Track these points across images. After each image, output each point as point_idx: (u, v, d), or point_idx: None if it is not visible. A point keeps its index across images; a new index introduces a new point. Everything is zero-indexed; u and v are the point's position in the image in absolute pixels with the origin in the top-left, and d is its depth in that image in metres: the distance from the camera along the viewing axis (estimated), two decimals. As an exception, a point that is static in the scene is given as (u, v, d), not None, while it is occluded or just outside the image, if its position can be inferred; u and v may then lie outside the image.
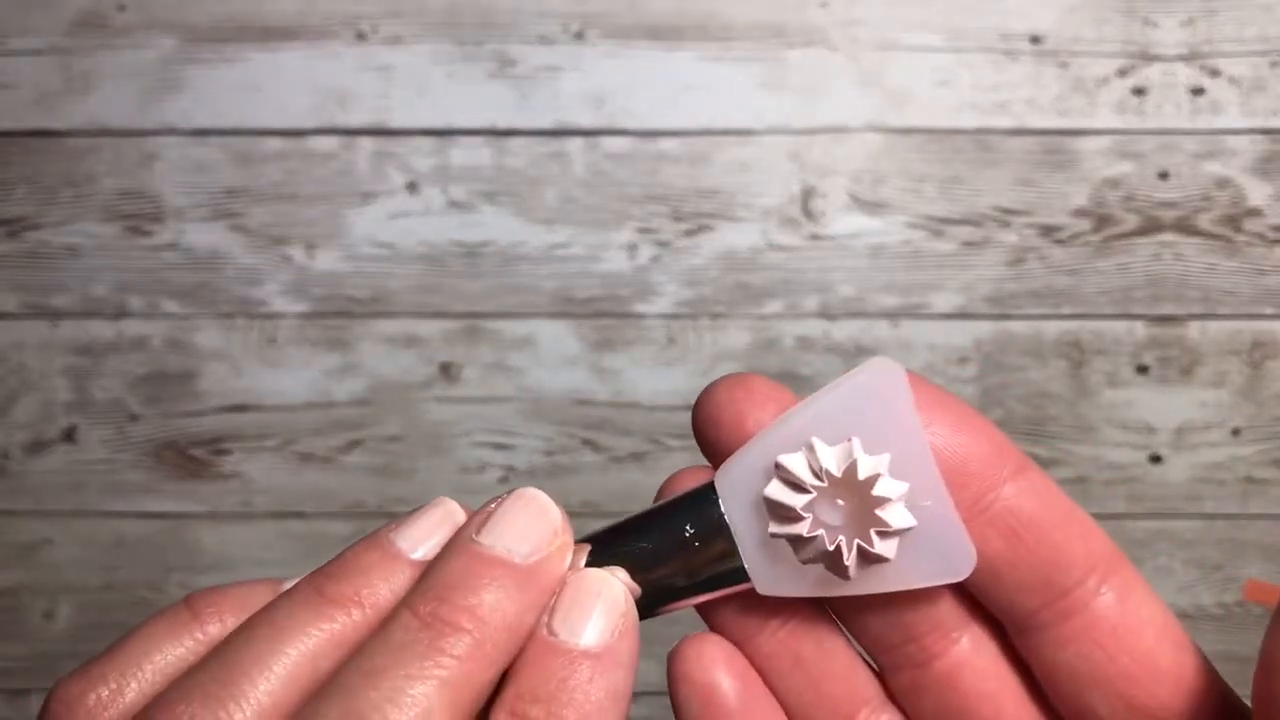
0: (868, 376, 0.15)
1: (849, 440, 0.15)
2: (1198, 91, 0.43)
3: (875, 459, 0.15)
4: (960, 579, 0.15)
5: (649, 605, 0.16)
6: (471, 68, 0.44)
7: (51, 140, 0.44)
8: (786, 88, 0.43)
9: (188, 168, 0.44)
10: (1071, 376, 0.43)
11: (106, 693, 0.15)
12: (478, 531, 0.15)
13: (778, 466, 0.15)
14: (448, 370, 0.44)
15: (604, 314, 0.44)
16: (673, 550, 0.16)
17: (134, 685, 0.15)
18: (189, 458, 0.44)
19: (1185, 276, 0.43)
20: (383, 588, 0.15)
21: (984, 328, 0.43)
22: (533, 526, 0.15)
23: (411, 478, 0.44)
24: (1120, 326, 0.43)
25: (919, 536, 0.15)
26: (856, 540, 0.15)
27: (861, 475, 0.15)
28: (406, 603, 0.15)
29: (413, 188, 0.44)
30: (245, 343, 0.44)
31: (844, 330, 0.43)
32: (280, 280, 0.44)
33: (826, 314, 0.43)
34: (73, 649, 0.45)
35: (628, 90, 0.43)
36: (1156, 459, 0.44)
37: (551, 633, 0.15)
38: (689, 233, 0.43)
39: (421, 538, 0.16)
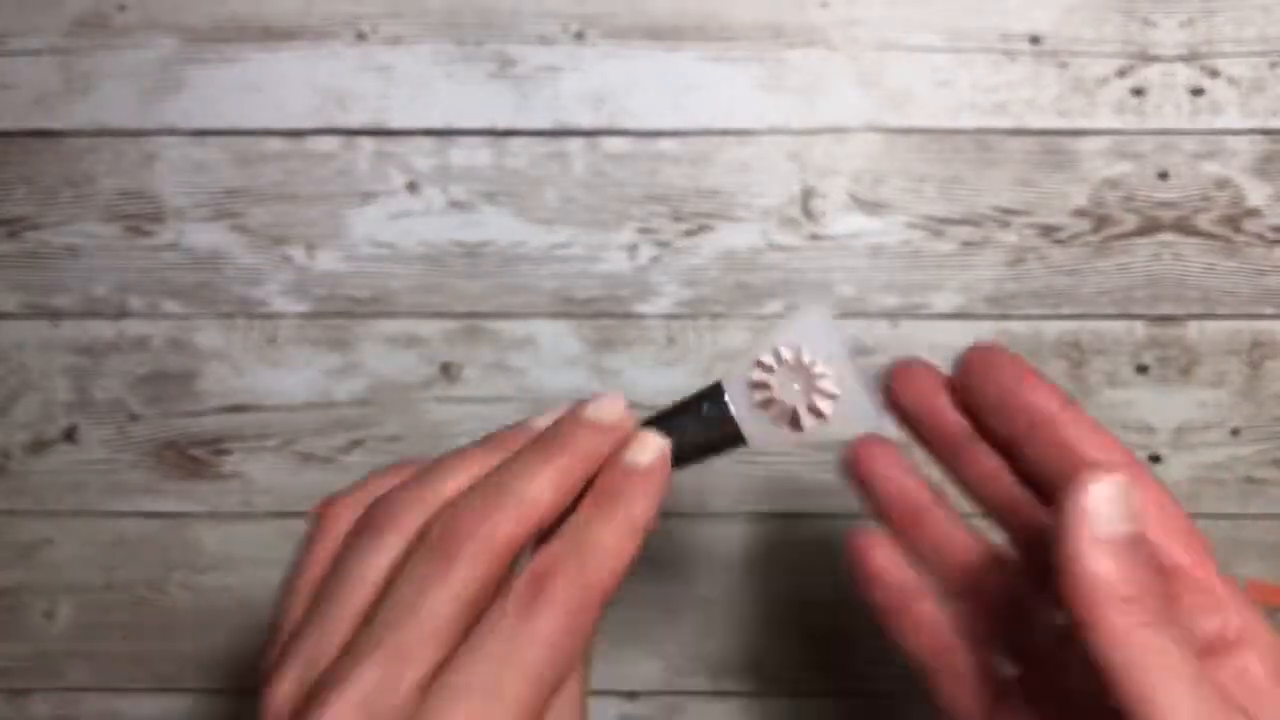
0: (808, 314, 0.26)
1: (798, 346, 0.26)
2: (1197, 92, 0.43)
3: (813, 355, 0.26)
4: (872, 429, 0.27)
5: (681, 458, 0.26)
6: (471, 68, 0.44)
7: (51, 140, 0.44)
8: (786, 88, 0.44)
9: (188, 168, 0.44)
10: (1071, 376, 0.44)
11: (351, 498, 0.27)
12: (581, 409, 0.26)
13: (757, 362, 0.26)
14: (448, 370, 0.44)
15: (604, 314, 0.44)
16: (695, 422, 0.27)
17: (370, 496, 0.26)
18: (189, 457, 0.44)
19: (1185, 277, 0.43)
20: (524, 438, 0.26)
21: (984, 328, 0.43)
22: (612, 407, 0.26)
23: (412, 478, 0.44)
24: (1120, 326, 0.44)
25: (845, 405, 0.26)
26: (807, 403, 0.26)
27: (805, 362, 0.26)
28: (534, 440, 0.26)
29: (413, 188, 0.44)
30: (246, 343, 0.44)
31: (845, 332, 0.43)
32: (281, 280, 0.44)
33: (826, 314, 0.43)
34: (74, 648, 0.45)
35: (627, 91, 0.43)
36: (1156, 459, 0.44)
37: (623, 458, 0.26)
38: (689, 233, 0.43)
39: (553, 416, 0.26)
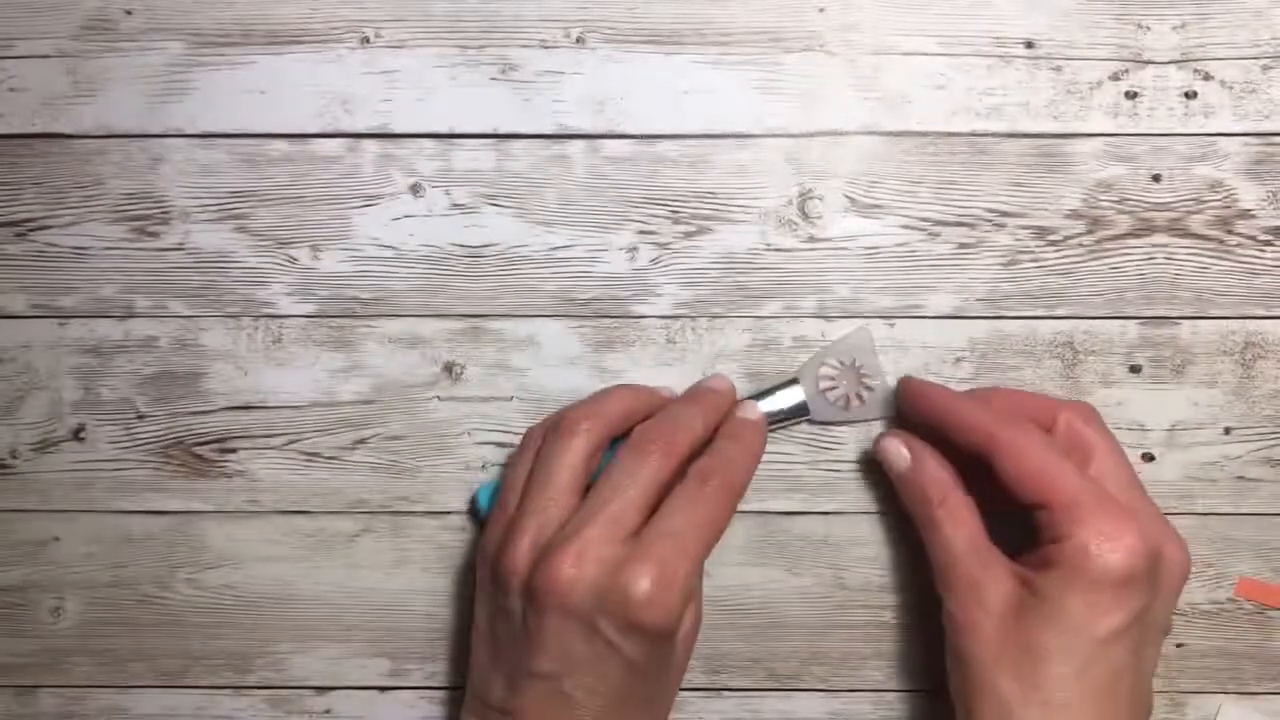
0: (858, 333, 0.43)
1: (854, 355, 0.42)
2: (1190, 95, 0.44)
3: (862, 361, 0.42)
4: (889, 411, 0.43)
5: (770, 422, 0.42)
6: (474, 72, 0.44)
7: (59, 143, 0.44)
8: (784, 92, 0.44)
9: (194, 170, 0.44)
10: (1065, 376, 0.44)
11: (542, 425, 0.41)
12: (705, 382, 0.42)
13: (825, 364, 0.42)
14: (451, 370, 0.45)
15: (604, 315, 0.44)
16: (777, 400, 0.42)
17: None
18: (196, 456, 0.45)
19: (1178, 278, 0.44)
20: (660, 394, 0.42)
21: (979, 328, 0.44)
22: (724, 381, 0.42)
23: (415, 476, 0.45)
24: (1113, 327, 0.44)
25: (875, 397, 0.43)
26: (855, 391, 0.42)
27: (856, 365, 0.42)
28: (681, 397, 0.42)
29: (416, 190, 0.44)
30: (251, 343, 0.45)
31: (841, 330, 0.44)
32: (286, 281, 0.44)
33: (824, 315, 0.44)
34: (80, 645, 0.45)
35: (627, 94, 0.44)
36: (1149, 457, 0.44)
37: (737, 414, 0.41)
38: (688, 235, 0.44)
39: (679, 392, 0.42)
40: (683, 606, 0.36)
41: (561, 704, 0.35)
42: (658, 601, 0.35)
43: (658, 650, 0.36)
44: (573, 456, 0.38)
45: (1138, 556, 0.35)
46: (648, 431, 0.38)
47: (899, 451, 0.40)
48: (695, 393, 0.41)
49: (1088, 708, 0.35)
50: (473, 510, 0.44)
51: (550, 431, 0.39)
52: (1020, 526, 0.38)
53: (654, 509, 0.37)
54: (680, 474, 0.38)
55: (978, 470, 0.39)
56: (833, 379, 0.42)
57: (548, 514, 0.37)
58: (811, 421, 0.43)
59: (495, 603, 0.38)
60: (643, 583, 0.34)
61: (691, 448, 0.39)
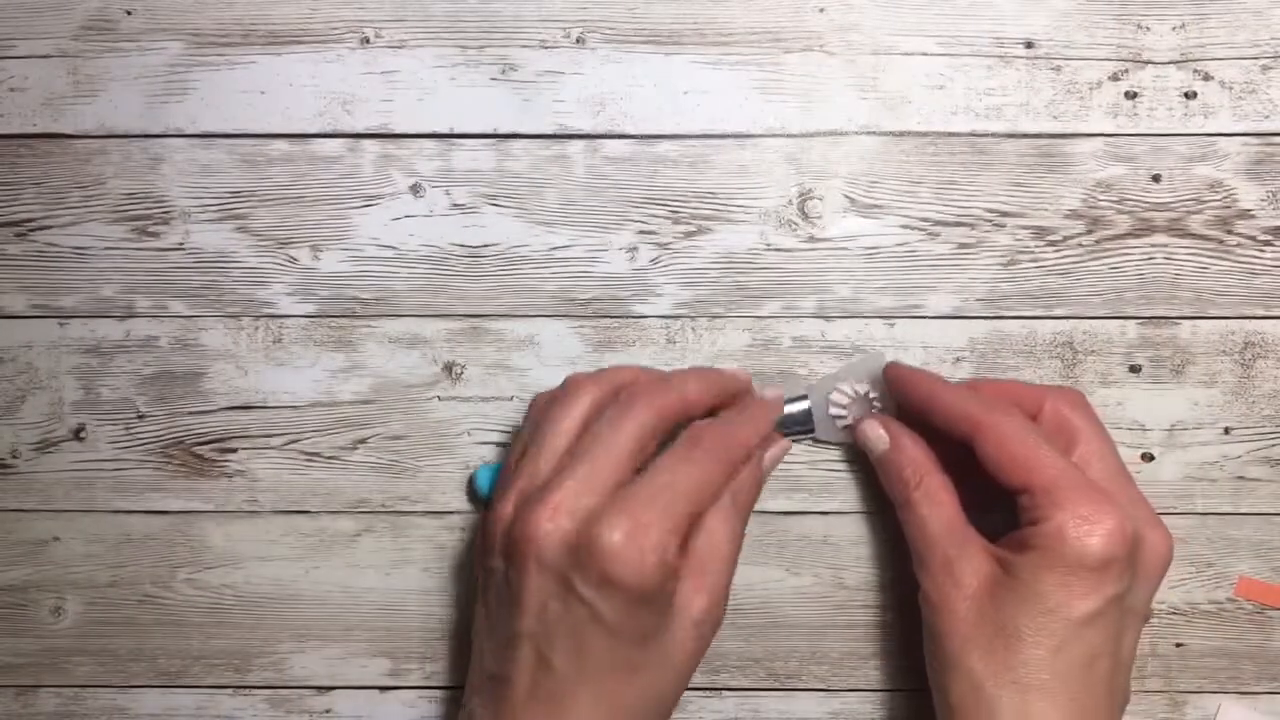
0: (870, 358, 0.43)
1: (864, 381, 0.42)
2: (1190, 95, 0.44)
3: (875, 392, 0.42)
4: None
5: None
6: (474, 72, 0.44)
7: (59, 143, 0.44)
8: (784, 92, 0.44)
9: (194, 170, 0.44)
10: (1064, 376, 0.44)
11: (547, 393, 0.41)
12: (715, 368, 0.42)
13: (837, 389, 0.43)
14: (451, 370, 0.45)
15: (604, 315, 0.44)
16: (785, 415, 0.42)
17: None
18: (196, 456, 0.45)
19: (1177, 278, 0.44)
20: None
21: (978, 328, 0.44)
22: (739, 372, 0.42)
23: (415, 475, 0.45)
24: (1113, 327, 0.44)
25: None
26: (863, 419, 0.42)
27: (869, 396, 0.42)
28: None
29: (416, 190, 0.44)
30: (251, 343, 0.45)
31: (840, 330, 0.44)
32: (286, 281, 0.44)
33: (823, 315, 0.44)
34: (81, 645, 0.45)
35: (627, 95, 0.44)
36: (1149, 457, 0.44)
37: (753, 392, 0.42)
38: (688, 235, 0.44)
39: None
40: (658, 563, 0.34)
41: (545, 669, 0.35)
42: (627, 555, 0.34)
43: (637, 613, 0.35)
44: (569, 423, 0.37)
45: (1116, 541, 0.35)
46: (633, 387, 0.38)
47: (878, 434, 0.41)
48: (697, 368, 0.42)
49: (1061, 690, 0.35)
50: (471, 491, 0.44)
51: (555, 393, 0.39)
52: (1007, 520, 0.38)
53: (637, 464, 0.36)
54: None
55: (964, 461, 0.39)
56: (843, 406, 0.42)
57: (536, 471, 0.37)
58: (815, 440, 0.43)
59: (484, 563, 0.38)
60: (614, 535, 0.34)
61: (681, 406, 0.38)
